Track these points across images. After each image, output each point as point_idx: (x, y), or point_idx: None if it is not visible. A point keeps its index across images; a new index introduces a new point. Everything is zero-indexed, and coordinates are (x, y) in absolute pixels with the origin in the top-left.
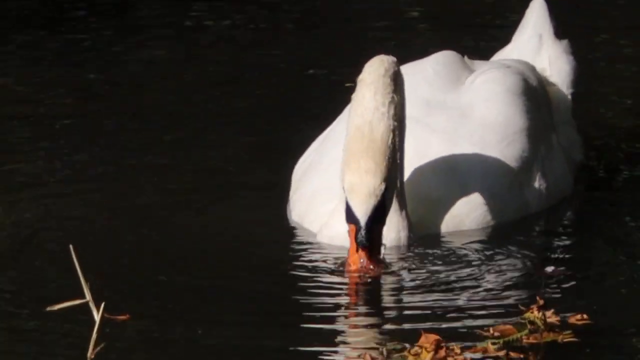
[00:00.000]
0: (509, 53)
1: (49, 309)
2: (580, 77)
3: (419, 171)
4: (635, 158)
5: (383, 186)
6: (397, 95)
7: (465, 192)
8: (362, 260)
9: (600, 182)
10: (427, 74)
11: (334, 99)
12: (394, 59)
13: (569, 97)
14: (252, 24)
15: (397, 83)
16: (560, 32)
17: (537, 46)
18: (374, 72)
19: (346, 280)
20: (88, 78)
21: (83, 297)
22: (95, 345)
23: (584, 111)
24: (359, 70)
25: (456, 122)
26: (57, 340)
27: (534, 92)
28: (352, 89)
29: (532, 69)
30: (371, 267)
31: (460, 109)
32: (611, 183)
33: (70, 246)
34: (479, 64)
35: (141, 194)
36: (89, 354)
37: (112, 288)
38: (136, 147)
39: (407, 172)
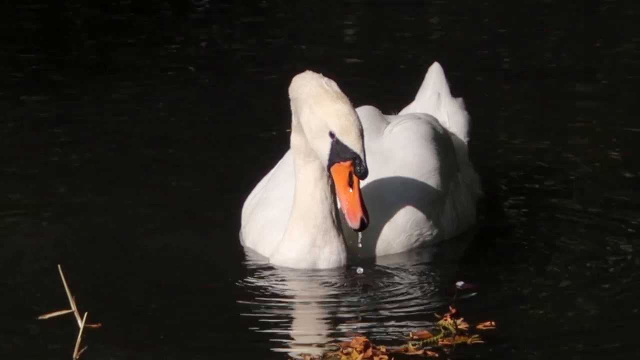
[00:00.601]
0: (413, 109)
1: (40, 317)
2: (473, 128)
3: None
4: (525, 191)
5: None
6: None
7: (391, 221)
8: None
9: (497, 213)
10: None
11: (277, 139)
12: None
13: (466, 143)
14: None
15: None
16: (454, 91)
17: (436, 103)
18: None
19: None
20: (71, 110)
21: (69, 308)
22: (80, 348)
23: (479, 154)
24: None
25: (380, 164)
26: (47, 344)
27: (441, 138)
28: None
29: (436, 120)
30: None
31: (382, 153)
32: (507, 213)
33: (59, 266)
34: (392, 117)
35: (110, 222)
36: (74, 355)
37: (92, 301)
38: (100, 181)
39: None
